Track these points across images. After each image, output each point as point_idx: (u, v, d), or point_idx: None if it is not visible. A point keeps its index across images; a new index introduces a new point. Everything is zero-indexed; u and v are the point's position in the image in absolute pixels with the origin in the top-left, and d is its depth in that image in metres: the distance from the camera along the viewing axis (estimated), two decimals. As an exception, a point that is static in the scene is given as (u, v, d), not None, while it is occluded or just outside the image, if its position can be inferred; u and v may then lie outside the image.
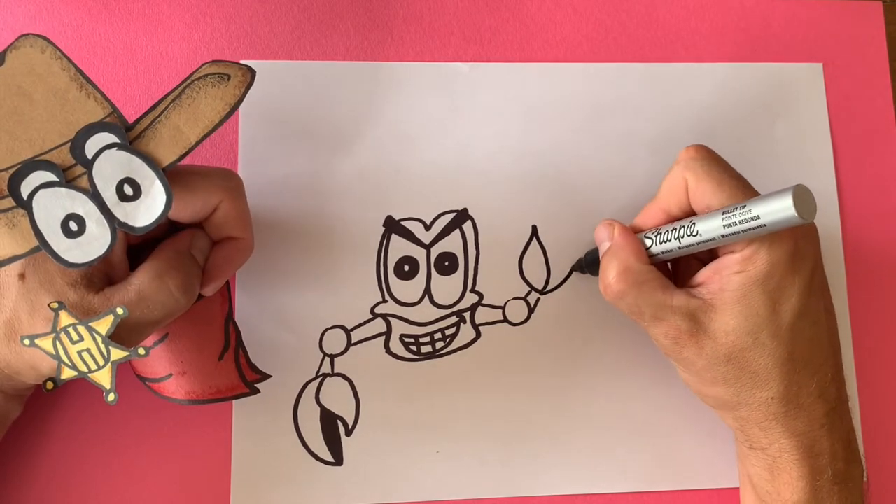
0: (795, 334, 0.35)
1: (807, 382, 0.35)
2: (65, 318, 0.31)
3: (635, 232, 0.38)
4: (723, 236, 0.34)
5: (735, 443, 0.40)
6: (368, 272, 0.42)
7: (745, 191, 0.35)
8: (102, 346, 0.31)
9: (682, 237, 0.35)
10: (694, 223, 0.35)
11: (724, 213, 0.33)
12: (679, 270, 0.40)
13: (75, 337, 0.31)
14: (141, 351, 0.31)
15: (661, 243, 0.36)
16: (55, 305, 0.31)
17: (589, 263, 0.42)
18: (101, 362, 0.31)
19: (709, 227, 0.34)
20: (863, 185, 0.46)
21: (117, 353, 0.31)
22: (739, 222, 0.33)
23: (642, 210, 0.39)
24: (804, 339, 0.35)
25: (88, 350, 0.31)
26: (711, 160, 0.36)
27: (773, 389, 0.35)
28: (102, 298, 0.32)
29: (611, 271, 0.36)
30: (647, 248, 0.37)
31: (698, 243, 0.35)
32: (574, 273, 0.43)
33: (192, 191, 0.34)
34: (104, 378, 0.32)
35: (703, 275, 0.36)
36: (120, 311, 0.31)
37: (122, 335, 0.32)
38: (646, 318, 0.36)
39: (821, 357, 0.36)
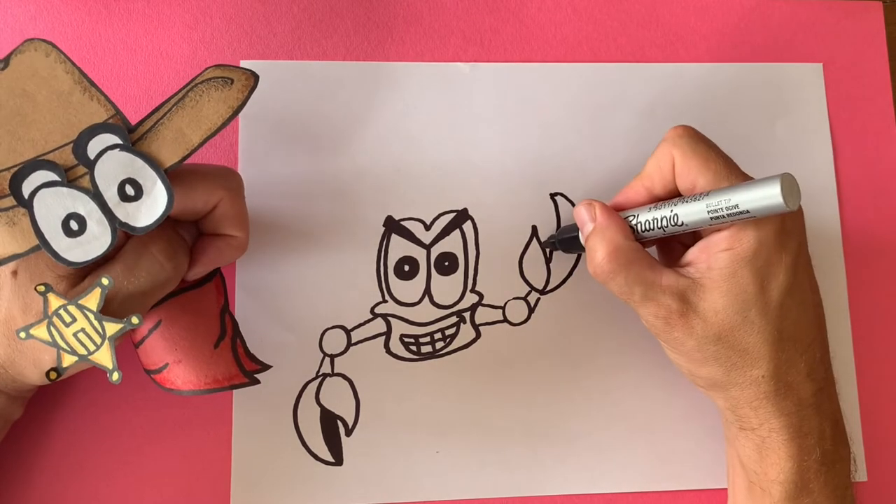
0: (784, 312, 0.35)
1: (796, 361, 0.36)
2: (54, 301, 0.31)
3: (616, 211, 0.38)
4: (708, 225, 0.34)
5: (723, 425, 0.40)
6: (368, 272, 0.42)
7: (731, 170, 0.35)
8: (96, 322, 0.31)
9: (666, 227, 0.35)
10: (677, 214, 0.35)
11: (708, 203, 0.33)
12: (664, 252, 0.40)
13: (68, 318, 0.31)
14: (135, 319, 0.31)
15: (642, 230, 0.36)
16: (42, 289, 0.31)
17: (563, 241, 0.41)
18: (98, 340, 0.31)
19: (693, 218, 0.34)
20: (863, 184, 0.46)
21: (112, 327, 0.31)
22: (726, 212, 0.33)
23: (624, 188, 0.38)
24: (792, 317, 0.35)
25: (83, 330, 0.31)
26: (699, 138, 0.36)
27: (763, 367, 0.35)
28: (91, 280, 0.32)
29: (600, 251, 0.36)
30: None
31: (682, 231, 0.35)
32: (574, 273, 0.43)
33: (193, 190, 0.34)
34: (105, 357, 0.31)
35: (692, 254, 0.36)
36: (105, 280, 0.31)
37: (114, 311, 0.32)
38: (636, 298, 0.36)
39: (809, 336, 0.36)
